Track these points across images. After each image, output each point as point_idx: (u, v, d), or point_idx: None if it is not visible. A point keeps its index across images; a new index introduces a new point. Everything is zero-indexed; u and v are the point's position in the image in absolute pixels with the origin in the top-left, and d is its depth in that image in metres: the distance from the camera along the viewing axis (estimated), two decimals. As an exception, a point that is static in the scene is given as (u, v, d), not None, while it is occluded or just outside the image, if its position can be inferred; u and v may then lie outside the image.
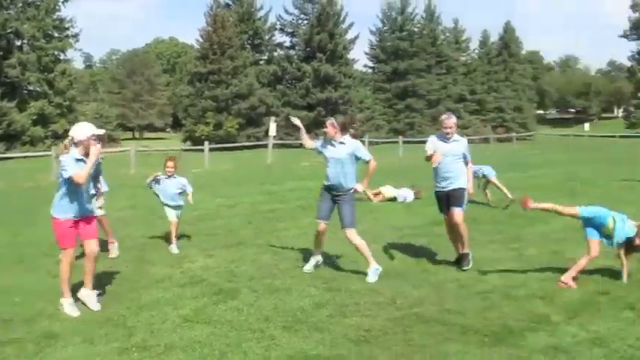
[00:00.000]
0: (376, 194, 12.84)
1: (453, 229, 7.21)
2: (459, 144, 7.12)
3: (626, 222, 6.39)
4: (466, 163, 7.21)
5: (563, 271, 6.48)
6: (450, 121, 7.07)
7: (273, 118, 28.17)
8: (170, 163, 8.29)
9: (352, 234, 6.76)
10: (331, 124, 6.77)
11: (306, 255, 7.48)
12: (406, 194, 12.96)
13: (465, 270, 6.88)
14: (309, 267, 7.05)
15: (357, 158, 6.75)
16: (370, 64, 59.20)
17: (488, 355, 4.44)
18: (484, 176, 12.03)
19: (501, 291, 6.03)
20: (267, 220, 10.74)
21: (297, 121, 7.20)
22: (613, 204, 10.80)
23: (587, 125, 53.96)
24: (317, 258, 7.13)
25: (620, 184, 15.15)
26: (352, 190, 6.76)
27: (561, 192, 13.74)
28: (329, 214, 6.89)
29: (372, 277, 6.58)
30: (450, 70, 58.20)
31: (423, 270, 6.99)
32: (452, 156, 7.04)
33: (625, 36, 72.62)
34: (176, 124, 71.29)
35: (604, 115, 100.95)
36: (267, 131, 44.17)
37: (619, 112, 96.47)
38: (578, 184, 15.30)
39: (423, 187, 12.64)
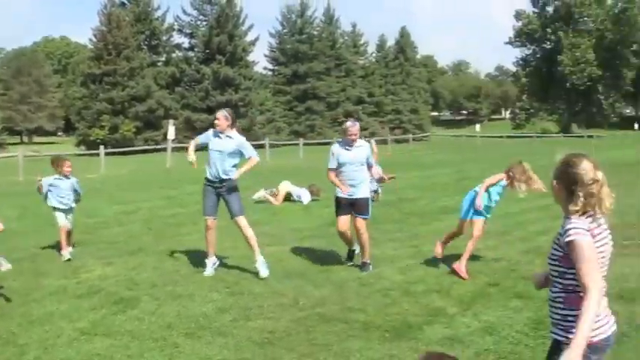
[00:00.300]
0: (275, 195, 12.90)
1: (344, 235, 7.23)
2: (363, 149, 7.09)
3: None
4: (369, 168, 7.22)
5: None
6: (355, 128, 7.02)
7: (171, 121, 27.53)
8: (68, 163, 8.16)
9: (243, 221, 6.92)
10: (224, 117, 6.84)
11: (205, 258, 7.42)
12: (301, 193, 13.00)
13: (363, 272, 6.97)
14: (209, 271, 6.99)
15: (242, 154, 6.86)
16: (270, 66, 59.47)
17: (389, 350, 4.59)
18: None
19: (401, 287, 6.26)
20: (168, 225, 10.52)
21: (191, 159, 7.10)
22: (502, 201, 11.48)
23: (478, 126, 56.86)
24: (212, 260, 7.09)
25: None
26: (233, 179, 6.85)
27: (454, 190, 14.38)
28: (215, 209, 6.98)
29: (263, 271, 6.73)
30: (348, 73, 59.45)
31: (324, 270, 7.10)
32: (356, 164, 7.03)
33: (510, 43, 77.24)
34: (69, 128, 68.07)
35: (493, 116, 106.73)
36: (165, 134, 43.18)
37: (506, 114, 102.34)
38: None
39: (321, 188, 12.80)
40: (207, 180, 6.94)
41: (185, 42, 50.73)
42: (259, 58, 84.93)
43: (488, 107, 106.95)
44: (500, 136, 52.86)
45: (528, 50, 77.23)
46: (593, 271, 2.51)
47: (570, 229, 2.57)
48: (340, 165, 7.03)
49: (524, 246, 8.03)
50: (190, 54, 49.57)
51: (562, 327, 2.67)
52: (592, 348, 2.56)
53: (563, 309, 2.67)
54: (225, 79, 46.29)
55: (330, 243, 8.46)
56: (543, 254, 6.05)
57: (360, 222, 7.06)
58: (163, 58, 50.36)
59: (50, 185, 8.03)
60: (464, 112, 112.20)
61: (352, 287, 6.36)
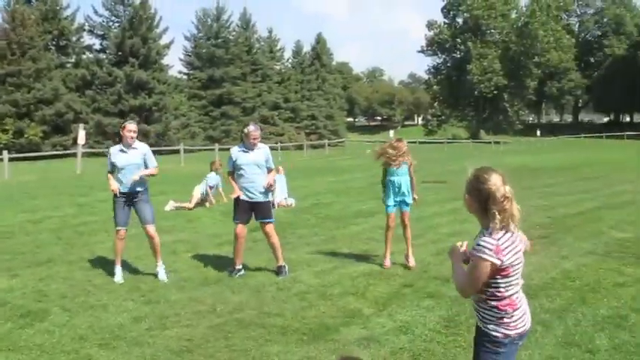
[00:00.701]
0: (190, 202, 12.89)
1: (239, 241, 7.19)
2: (261, 152, 7.14)
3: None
4: (269, 171, 7.23)
5: (372, 267, 7.00)
6: (257, 132, 7.14)
7: (82, 126, 26.53)
8: None
9: (153, 230, 7.10)
10: (133, 131, 7.00)
11: (122, 268, 7.23)
12: (209, 179, 13.52)
13: (280, 276, 6.99)
14: (118, 278, 6.92)
15: (146, 164, 7.03)
16: (185, 70, 58.42)
17: (307, 352, 4.66)
18: None
19: (317, 291, 6.35)
20: (79, 234, 10.14)
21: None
22: (418, 205, 11.89)
23: (391, 132, 58.31)
24: (119, 268, 7.07)
25: (421, 186, 16.59)
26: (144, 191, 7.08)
27: (369, 194, 14.70)
28: (128, 219, 7.09)
29: (162, 275, 7.00)
30: (265, 78, 59.37)
31: (242, 275, 7.09)
32: (255, 166, 7.08)
33: (422, 51, 79.84)
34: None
35: (406, 122, 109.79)
36: (75, 139, 41.54)
37: (419, 121, 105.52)
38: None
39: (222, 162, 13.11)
40: (122, 193, 6.94)
41: (96, 43, 48.81)
42: (174, 62, 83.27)
43: (401, 113, 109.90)
44: (414, 142, 54.31)
45: (439, 59, 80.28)
46: (470, 282, 2.79)
47: (479, 246, 2.73)
48: (238, 168, 7.07)
49: (435, 248, 8.32)
50: (102, 56, 47.74)
51: (487, 322, 2.84)
52: (520, 335, 2.78)
53: (479, 305, 2.85)
54: (139, 83, 44.95)
55: (247, 248, 8.43)
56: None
57: (268, 226, 7.12)
58: (73, 60, 48.14)
59: None
60: (378, 118, 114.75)
61: (270, 292, 6.38)
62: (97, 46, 48.83)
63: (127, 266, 7.39)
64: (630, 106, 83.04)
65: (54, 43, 46.69)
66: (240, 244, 7.19)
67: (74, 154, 26.61)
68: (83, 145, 25.55)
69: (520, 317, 2.85)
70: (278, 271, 7.13)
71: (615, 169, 21.65)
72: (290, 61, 67.82)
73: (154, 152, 7.56)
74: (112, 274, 7.16)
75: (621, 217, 10.92)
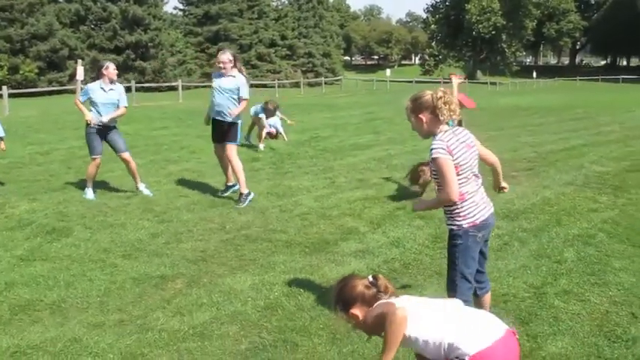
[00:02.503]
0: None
1: (222, 160, 7.76)
2: (234, 80, 7.36)
3: None
4: (239, 101, 7.43)
5: (368, 192, 7.59)
6: (225, 56, 7.43)
7: (80, 61, 26.44)
8: None
9: (129, 156, 7.92)
10: (107, 69, 7.68)
11: (133, 194, 7.83)
12: (273, 122, 12.74)
13: (239, 207, 7.25)
14: (90, 195, 7.77)
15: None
16: (181, 6, 57.58)
17: (310, 262, 5.27)
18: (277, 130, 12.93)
19: (317, 212, 6.94)
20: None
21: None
22: (409, 139, 12.37)
23: (388, 71, 57.94)
24: (90, 189, 7.87)
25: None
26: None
27: (365, 129, 15.20)
28: (102, 147, 7.84)
29: (146, 191, 7.95)
30: (261, 15, 58.55)
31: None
32: (225, 91, 7.37)
33: (420, -12, 78.35)
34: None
35: (403, 62, 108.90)
36: (72, 75, 41.38)
37: (416, 60, 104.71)
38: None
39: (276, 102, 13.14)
40: (95, 124, 7.68)
41: (89, -23, 48.06)
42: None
43: (398, 53, 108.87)
44: (410, 81, 54.39)
45: (438, -3, 78.96)
46: (446, 184, 3.24)
47: (432, 148, 3.24)
48: (213, 91, 7.50)
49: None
50: (96, -10, 47.09)
51: (448, 215, 3.38)
52: (476, 227, 3.31)
53: (446, 207, 3.38)
54: (134, 19, 44.50)
55: (251, 176, 8.96)
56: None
57: (228, 147, 7.52)
58: (66, -6, 47.57)
59: None
60: (375, 57, 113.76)
61: (273, 213, 6.97)
62: (91, -20, 47.94)
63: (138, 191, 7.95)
64: (628, 49, 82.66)
65: (46, -24, 45.87)
66: (223, 163, 7.80)
67: (71, 91, 26.78)
68: (82, 81, 25.67)
69: (470, 208, 3.33)
70: (238, 198, 7.46)
71: (606, 111, 22.07)
72: (287, -3, 66.81)
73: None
74: (125, 197, 7.75)
75: (603, 154, 11.46)
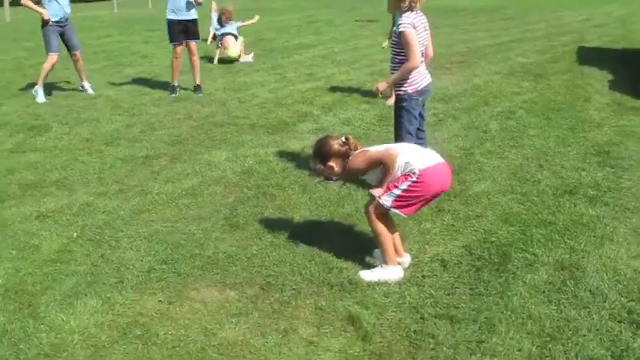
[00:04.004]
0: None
1: (177, 62, 8.25)
2: None
3: None
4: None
5: (317, 84, 8.39)
6: None
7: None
8: None
9: (79, 54, 8.41)
10: None
11: (98, 94, 8.35)
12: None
13: (199, 95, 8.14)
14: (41, 98, 8.08)
15: None
16: None
17: (274, 139, 6.07)
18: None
19: (273, 101, 7.69)
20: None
21: None
22: (351, 38, 13.04)
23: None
24: (42, 89, 8.17)
25: (355, 24, 17.61)
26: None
27: (307, 31, 15.69)
28: (59, 44, 8.18)
29: (90, 90, 8.47)
30: None
31: (206, 94, 8.29)
32: None
33: None
34: None
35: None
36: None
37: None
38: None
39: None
40: (53, 21, 7.97)
41: None
42: None
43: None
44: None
45: None
46: (412, 53, 4.02)
47: (400, 24, 4.02)
48: None
49: (369, 70, 9.67)
50: None
51: (397, 84, 4.20)
52: (418, 92, 4.16)
53: (394, 73, 4.21)
54: None
55: (205, 75, 9.47)
56: (385, 75, 7.63)
57: (192, 44, 8.21)
58: None
59: None
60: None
61: (234, 104, 7.67)
62: None
63: (102, 91, 8.45)
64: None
65: None
66: (178, 64, 8.26)
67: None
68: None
69: (415, 77, 4.15)
70: (196, 89, 8.31)
71: (534, 11, 23.10)
72: None
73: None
74: (91, 97, 8.23)
75: (529, 48, 12.45)
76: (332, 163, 3.36)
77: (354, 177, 3.59)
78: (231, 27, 11.14)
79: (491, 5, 26.83)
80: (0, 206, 4.60)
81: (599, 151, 5.51)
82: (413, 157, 3.22)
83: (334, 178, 3.50)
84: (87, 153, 5.87)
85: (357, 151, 3.34)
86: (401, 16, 4.07)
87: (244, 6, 26.48)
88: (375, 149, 3.31)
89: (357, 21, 18.28)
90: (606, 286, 3.18)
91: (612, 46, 12.63)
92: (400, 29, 4.02)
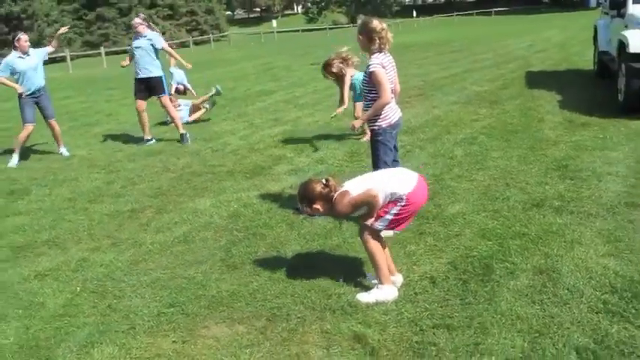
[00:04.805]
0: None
1: (141, 116, 8.79)
2: (148, 37, 8.59)
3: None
4: (157, 53, 8.66)
5: (285, 128, 8.70)
6: (137, 20, 8.75)
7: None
8: None
9: (55, 122, 8.60)
10: (27, 40, 8.32)
11: (72, 155, 8.50)
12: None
13: (186, 145, 8.57)
14: (14, 162, 8.26)
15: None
16: (48, -28, 54.58)
17: (253, 183, 6.32)
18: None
19: (246, 147, 7.98)
20: (7, 137, 10.86)
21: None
22: (310, 81, 13.47)
23: (274, 22, 58.42)
24: (17, 155, 8.35)
25: (311, 67, 18.16)
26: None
27: (267, 78, 16.14)
28: (35, 115, 8.41)
29: (65, 152, 8.65)
30: (137, -25, 56.74)
31: (178, 146, 8.54)
32: (143, 49, 8.55)
33: None
34: None
35: (286, 12, 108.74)
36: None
37: (298, 9, 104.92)
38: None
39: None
40: (28, 95, 8.25)
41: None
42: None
43: (280, 3, 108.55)
44: (297, 30, 55.22)
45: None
46: (383, 90, 4.36)
47: (370, 64, 4.37)
48: (132, 52, 8.68)
49: (332, 110, 10.03)
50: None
51: (371, 121, 4.53)
52: (391, 126, 4.48)
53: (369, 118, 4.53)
54: (1, -10, 42.08)
55: (173, 130, 9.71)
56: (348, 114, 8.00)
57: (163, 99, 8.76)
58: None
59: None
60: (257, 9, 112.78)
61: (208, 153, 7.92)
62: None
63: (75, 152, 8.61)
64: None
65: None
66: (143, 117, 8.79)
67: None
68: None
69: (388, 112, 4.47)
70: (181, 138, 8.73)
71: (480, 42, 24.17)
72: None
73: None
74: (64, 160, 8.36)
75: (480, 77, 13.13)
76: (317, 206, 3.61)
77: (340, 217, 3.86)
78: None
79: (439, 39, 28.00)
80: (-4, 270, 4.70)
81: (559, 165, 5.95)
82: (395, 185, 3.51)
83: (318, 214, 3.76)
84: (72, 212, 6.00)
85: (340, 191, 3.61)
86: (370, 57, 4.42)
87: (200, 58, 27.01)
88: (356, 190, 3.55)
89: (312, 64, 18.85)
90: (581, 283, 3.51)
91: (556, 69, 13.42)
92: (371, 69, 4.37)
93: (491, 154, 6.61)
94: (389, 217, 3.49)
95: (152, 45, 8.59)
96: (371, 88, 4.46)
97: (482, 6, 76.68)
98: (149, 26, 8.76)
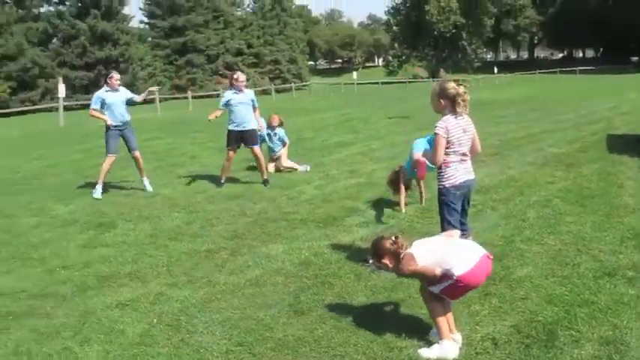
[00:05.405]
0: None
1: (227, 163, 9.41)
2: (249, 94, 9.40)
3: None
4: (254, 109, 9.40)
5: (360, 180, 8.93)
6: (243, 76, 9.56)
7: (61, 79, 27.37)
8: None
9: (139, 153, 9.32)
10: (119, 79, 9.21)
11: (155, 193, 9.02)
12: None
13: (267, 186, 9.19)
14: (98, 194, 8.99)
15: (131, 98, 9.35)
16: (146, 20, 58.34)
17: (325, 232, 6.52)
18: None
19: (320, 197, 8.21)
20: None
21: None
22: (387, 135, 13.69)
23: (355, 74, 59.62)
24: (101, 186, 9.10)
25: (389, 121, 18.45)
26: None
27: (345, 129, 16.51)
28: (118, 147, 9.19)
29: (148, 187, 9.30)
30: (227, 24, 59.83)
31: (256, 192, 8.89)
32: (244, 104, 9.24)
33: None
34: None
35: (367, 64, 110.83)
36: (43, 94, 41.79)
37: (379, 62, 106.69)
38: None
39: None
40: (113, 126, 9.01)
41: (54, -5, 48.74)
42: (134, 12, 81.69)
43: (362, 55, 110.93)
44: (376, 82, 56.10)
45: (398, 0, 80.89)
46: (436, 154, 4.51)
47: (436, 126, 4.51)
48: (229, 104, 9.23)
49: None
50: (62, 8, 47.65)
51: (437, 180, 4.65)
52: (455, 187, 4.58)
53: (437, 171, 4.66)
54: (103, 34, 45.36)
55: (250, 174, 10.14)
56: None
57: (255, 150, 9.33)
58: (32, 14, 48.01)
59: None
60: (339, 60, 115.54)
61: (283, 201, 8.20)
62: (55, -1, 48.58)
63: (159, 190, 9.13)
64: (582, 42, 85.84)
65: (9, -4, 46.38)
66: (228, 165, 9.48)
67: (44, 109, 27.37)
68: (63, 98, 26.44)
69: (451, 173, 4.57)
70: (265, 182, 9.32)
71: (562, 101, 23.79)
72: (250, 6, 68.13)
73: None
74: (149, 196, 8.88)
75: (560, 138, 12.96)
76: (385, 261, 3.80)
77: (404, 276, 4.01)
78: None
79: (519, 97, 27.75)
80: (83, 296, 5.08)
81: (635, 234, 5.82)
82: (452, 262, 3.60)
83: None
84: (153, 247, 6.38)
85: (407, 253, 3.74)
86: (440, 120, 4.57)
87: (281, 106, 27.92)
88: (421, 259, 3.69)
89: (390, 118, 19.16)
90: (649, 358, 3.45)
91: (640, 133, 13.05)
92: (435, 130, 4.51)
93: (565, 219, 6.54)
94: (441, 286, 3.64)
95: (252, 101, 9.31)
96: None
97: (566, 64, 75.45)
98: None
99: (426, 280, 3.72)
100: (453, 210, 4.66)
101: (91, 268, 5.82)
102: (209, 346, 3.97)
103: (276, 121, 10.74)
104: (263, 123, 9.99)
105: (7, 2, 45.66)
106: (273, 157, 10.72)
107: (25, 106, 37.74)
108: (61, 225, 7.60)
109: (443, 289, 3.64)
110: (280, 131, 10.78)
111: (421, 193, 7.54)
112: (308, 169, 10.47)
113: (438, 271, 3.62)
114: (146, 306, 4.78)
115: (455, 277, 3.56)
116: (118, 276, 5.55)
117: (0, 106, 36.70)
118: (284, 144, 10.73)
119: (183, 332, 4.24)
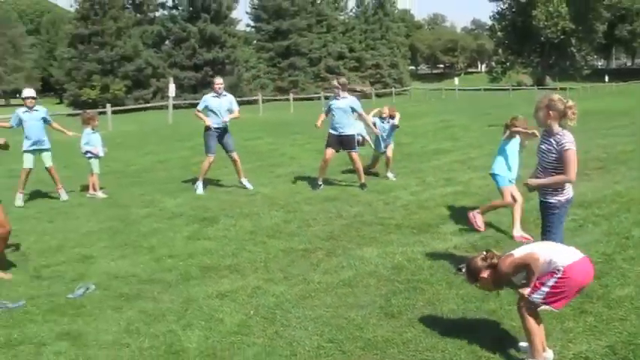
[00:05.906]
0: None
1: (325, 163, 9.59)
2: (348, 100, 9.53)
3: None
4: (358, 115, 9.65)
5: (456, 189, 8.86)
6: (342, 80, 9.83)
7: (171, 79, 28.87)
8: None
9: (236, 155, 9.75)
10: (220, 83, 9.53)
11: (256, 191, 9.38)
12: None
13: (364, 190, 9.35)
14: (200, 190, 9.57)
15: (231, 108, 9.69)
16: (252, 23, 60.18)
17: (419, 239, 6.58)
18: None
19: (416, 203, 8.25)
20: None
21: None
22: (487, 144, 13.46)
23: (456, 80, 58.53)
24: (201, 182, 9.67)
25: (489, 129, 18.05)
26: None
27: (444, 136, 16.37)
28: (216, 147, 9.61)
29: (248, 185, 9.78)
30: (329, 28, 60.54)
31: (352, 195, 9.06)
32: (343, 109, 9.45)
33: (485, -4, 78.16)
34: (46, 89, 67.97)
35: (469, 70, 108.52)
36: (154, 92, 44.11)
37: (482, 67, 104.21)
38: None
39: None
40: (214, 128, 9.49)
41: (169, 0, 51.37)
42: (241, 16, 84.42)
43: (464, 61, 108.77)
44: (478, 89, 54.81)
45: (504, 4, 78.66)
46: (573, 171, 4.40)
47: (566, 142, 4.40)
48: (330, 110, 9.61)
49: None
50: (175, 12, 50.14)
51: (549, 194, 4.57)
52: (568, 201, 4.51)
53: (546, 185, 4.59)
54: (211, 37, 47.20)
55: (349, 177, 10.33)
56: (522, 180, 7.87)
57: (353, 155, 9.56)
58: (148, 17, 50.90)
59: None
60: (440, 65, 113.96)
61: (379, 205, 8.32)
62: (170, 3, 51.13)
63: (259, 189, 9.50)
64: None
65: (130, 2, 49.26)
66: (325, 165, 9.65)
67: (156, 107, 28.82)
68: (173, 98, 27.84)
69: (568, 187, 4.53)
70: (362, 186, 9.50)
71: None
72: (354, 10, 68.58)
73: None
74: (249, 194, 9.28)
75: (674, 153, 12.22)
76: (483, 275, 3.82)
77: (503, 282, 3.94)
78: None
79: (632, 107, 26.26)
80: (187, 284, 5.45)
81: None
82: (555, 255, 3.59)
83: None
84: (252, 243, 6.70)
85: (503, 255, 3.77)
86: (559, 134, 4.46)
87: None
88: (519, 253, 3.72)
89: (490, 126, 18.72)
90: None
91: None
92: (567, 147, 4.38)
93: (674, 240, 6.23)
94: (545, 289, 3.56)
95: (351, 107, 9.51)
96: (558, 164, 4.46)
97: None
98: (348, 89, 9.84)
99: (528, 279, 3.65)
100: (560, 224, 4.61)
101: (195, 258, 6.20)
102: (301, 341, 4.17)
103: (387, 113, 10.67)
104: (370, 120, 10.13)
105: (127, 7, 48.67)
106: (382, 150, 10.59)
107: (139, 103, 40.01)
108: (169, 217, 8.11)
109: (547, 294, 3.56)
110: (393, 121, 10.61)
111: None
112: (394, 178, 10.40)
113: (541, 261, 3.57)
114: (244, 298, 5.05)
115: (562, 268, 3.52)
116: (219, 268, 5.88)
117: (117, 103, 39.10)
118: (394, 128, 10.62)
119: (278, 325, 4.47)
